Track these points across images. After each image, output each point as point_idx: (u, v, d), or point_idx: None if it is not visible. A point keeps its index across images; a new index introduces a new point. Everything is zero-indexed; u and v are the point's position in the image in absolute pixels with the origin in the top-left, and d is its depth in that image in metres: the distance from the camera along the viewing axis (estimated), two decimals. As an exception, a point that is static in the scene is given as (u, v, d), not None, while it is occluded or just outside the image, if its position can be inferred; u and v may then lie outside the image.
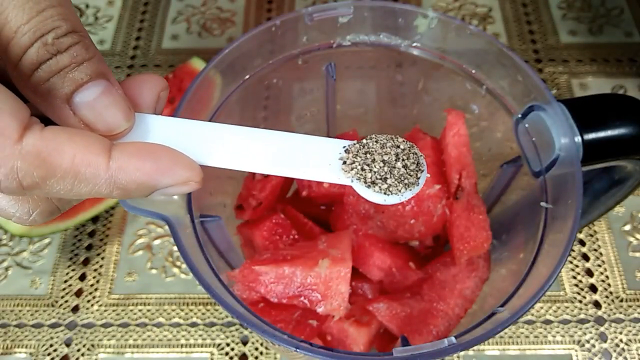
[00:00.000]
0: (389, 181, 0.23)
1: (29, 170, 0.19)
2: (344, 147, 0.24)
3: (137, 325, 0.45)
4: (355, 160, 0.24)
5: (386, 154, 0.24)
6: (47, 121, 0.21)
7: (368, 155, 0.24)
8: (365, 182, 0.24)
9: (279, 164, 0.24)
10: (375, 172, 0.24)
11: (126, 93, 0.22)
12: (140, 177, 0.21)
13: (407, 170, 0.24)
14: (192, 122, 0.24)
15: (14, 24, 0.19)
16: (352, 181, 0.24)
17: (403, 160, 0.24)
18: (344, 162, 0.24)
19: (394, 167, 0.24)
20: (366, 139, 0.25)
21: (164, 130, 0.23)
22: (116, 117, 0.21)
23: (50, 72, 0.20)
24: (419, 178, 0.24)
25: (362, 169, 0.24)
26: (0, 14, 0.19)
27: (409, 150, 0.24)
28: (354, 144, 0.24)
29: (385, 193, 0.24)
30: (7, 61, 0.20)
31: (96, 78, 0.21)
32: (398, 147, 0.24)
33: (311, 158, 0.24)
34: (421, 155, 0.25)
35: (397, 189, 0.24)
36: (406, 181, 0.24)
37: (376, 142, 0.24)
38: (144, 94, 0.23)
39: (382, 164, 0.24)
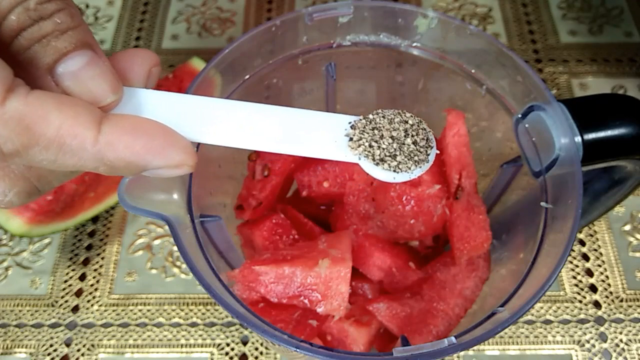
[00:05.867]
0: (398, 158, 0.22)
1: (10, 137, 0.18)
2: (350, 122, 0.23)
3: (137, 325, 0.45)
4: (363, 136, 0.23)
5: (395, 130, 0.23)
6: None
7: (376, 132, 0.23)
8: (374, 160, 0.22)
9: (280, 141, 0.22)
10: (384, 149, 0.22)
11: (114, 66, 0.21)
12: (130, 156, 0.20)
13: (417, 147, 0.23)
14: (187, 97, 0.23)
15: None
16: (359, 159, 0.23)
17: (412, 136, 0.23)
18: (351, 139, 0.23)
19: (404, 144, 0.22)
20: (373, 114, 0.23)
21: (157, 105, 0.22)
22: (102, 89, 0.20)
23: (31, 40, 0.19)
24: (428, 155, 0.23)
25: (370, 146, 0.22)
26: None
27: (418, 126, 0.23)
28: (360, 120, 0.23)
29: (394, 171, 0.22)
30: None
31: (81, 48, 0.20)
32: (406, 122, 0.23)
33: (315, 134, 0.23)
34: (430, 131, 0.23)
35: (407, 166, 0.22)
36: (416, 158, 0.22)
37: (383, 117, 0.23)
38: (134, 68, 0.22)
39: (390, 140, 0.22)
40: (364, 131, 0.23)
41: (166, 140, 0.21)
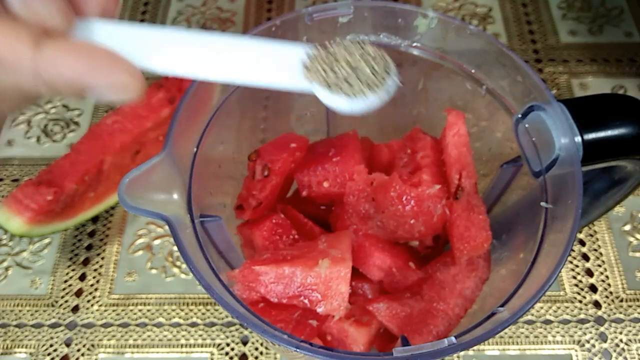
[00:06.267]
0: (353, 83, 0.21)
1: None
2: (307, 51, 0.23)
3: (137, 325, 0.45)
4: (318, 63, 0.22)
5: (351, 56, 0.22)
6: None
7: (332, 58, 0.22)
8: (328, 86, 0.21)
9: (232, 70, 0.22)
10: (338, 75, 0.22)
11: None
12: (71, 74, 0.19)
13: (375, 73, 0.22)
14: (139, 26, 0.22)
15: None
16: (311, 83, 0.22)
17: (370, 63, 0.22)
18: (306, 67, 0.22)
19: (360, 71, 0.22)
20: (330, 43, 0.23)
21: (108, 34, 0.22)
22: (51, 14, 0.20)
23: None
24: (386, 82, 0.22)
25: (325, 72, 0.22)
26: None
27: (377, 54, 0.22)
28: (318, 48, 0.22)
29: (349, 96, 0.21)
30: None
31: None
32: (365, 49, 0.22)
33: (269, 63, 0.22)
34: (390, 62, 0.23)
35: (362, 92, 0.21)
36: (373, 84, 0.22)
37: (341, 45, 0.22)
38: (88, 2, 0.22)
39: (346, 67, 0.22)
40: (319, 58, 0.22)
41: (109, 61, 0.20)
